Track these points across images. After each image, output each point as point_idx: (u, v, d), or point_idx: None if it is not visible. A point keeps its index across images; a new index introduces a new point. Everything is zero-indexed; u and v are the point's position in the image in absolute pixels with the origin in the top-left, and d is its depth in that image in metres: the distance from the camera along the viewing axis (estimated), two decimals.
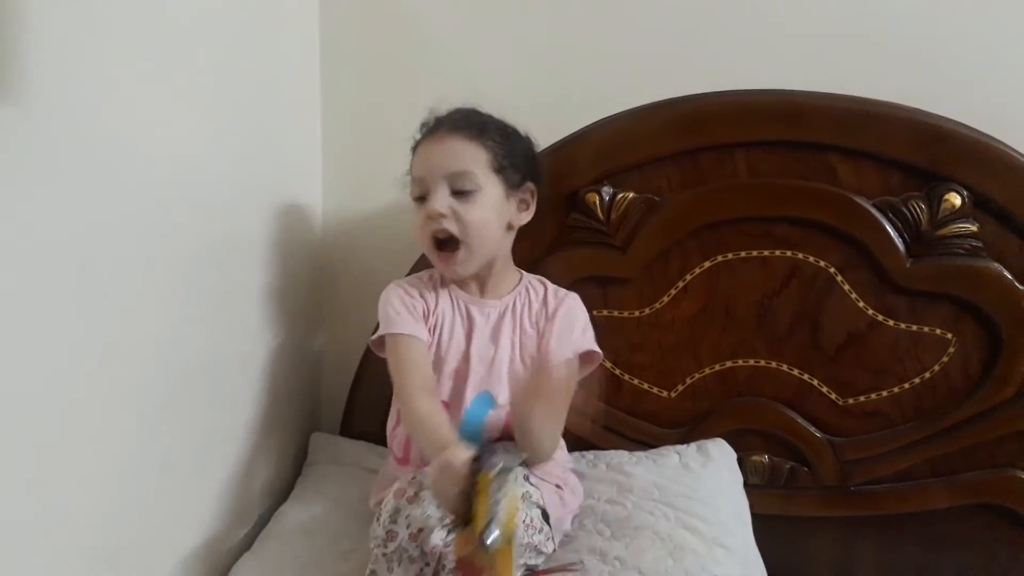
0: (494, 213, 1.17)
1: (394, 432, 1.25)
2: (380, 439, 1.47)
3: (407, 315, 1.19)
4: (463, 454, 0.89)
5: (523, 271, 1.29)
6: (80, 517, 0.91)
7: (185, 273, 1.09)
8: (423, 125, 1.23)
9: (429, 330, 1.20)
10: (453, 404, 1.18)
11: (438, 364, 1.20)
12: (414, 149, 1.22)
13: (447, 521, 0.97)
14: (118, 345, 0.95)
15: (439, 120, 1.21)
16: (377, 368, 1.47)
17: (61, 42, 0.82)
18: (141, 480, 1.02)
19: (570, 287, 1.31)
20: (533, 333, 1.22)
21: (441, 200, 1.14)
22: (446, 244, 1.16)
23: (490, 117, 1.21)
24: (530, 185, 1.22)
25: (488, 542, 0.83)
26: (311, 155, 1.55)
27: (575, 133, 1.40)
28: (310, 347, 1.57)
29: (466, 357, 1.20)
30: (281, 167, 1.42)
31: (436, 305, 1.22)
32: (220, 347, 1.21)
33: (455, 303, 1.23)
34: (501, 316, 1.22)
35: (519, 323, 1.22)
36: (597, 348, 1.22)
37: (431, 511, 0.98)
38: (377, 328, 1.21)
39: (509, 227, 1.22)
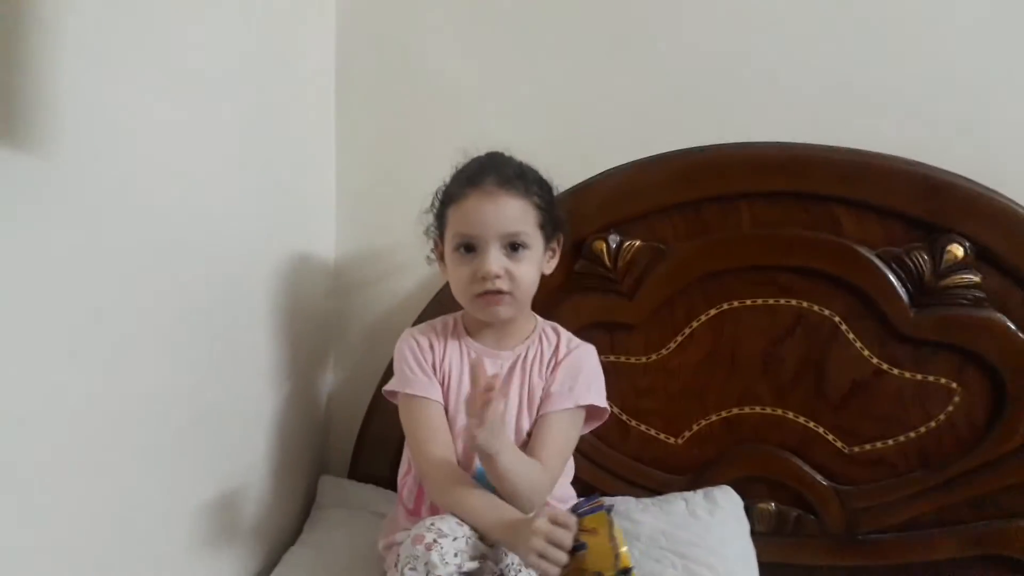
0: (537, 267, 1.19)
1: (404, 480, 1.25)
2: (388, 482, 1.49)
3: (421, 374, 1.19)
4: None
5: (538, 317, 1.28)
6: (88, 561, 0.92)
7: (196, 317, 1.11)
8: (461, 173, 1.20)
9: (440, 383, 1.20)
10: (463, 462, 1.18)
11: (450, 420, 1.20)
12: (452, 198, 1.18)
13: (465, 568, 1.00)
14: (129, 388, 0.97)
15: (482, 168, 1.17)
16: (386, 412, 1.48)
17: (84, 91, 0.85)
18: (149, 521, 1.03)
19: (577, 333, 1.31)
20: (540, 383, 1.21)
21: (496, 261, 1.13)
22: (493, 294, 1.15)
23: (528, 167, 1.20)
24: (559, 235, 1.24)
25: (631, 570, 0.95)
26: (325, 201, 1.57)
27: (583, 182, 1.43)
28: (319, 390, 1.59)
29: None
30: (295, 213, 1.45)
31: (444, 358, 1.21)
32: (230, 389, 1.22)
33: (465, 356, 1.22)
34: (512, 368, 1.22)
35: (528, 376, 1.21)
36: (603, 403, 1.21)
37: (449, 559, 0.99)
38: (390, 374, 1.22)
39: (540, 275, 1.22)
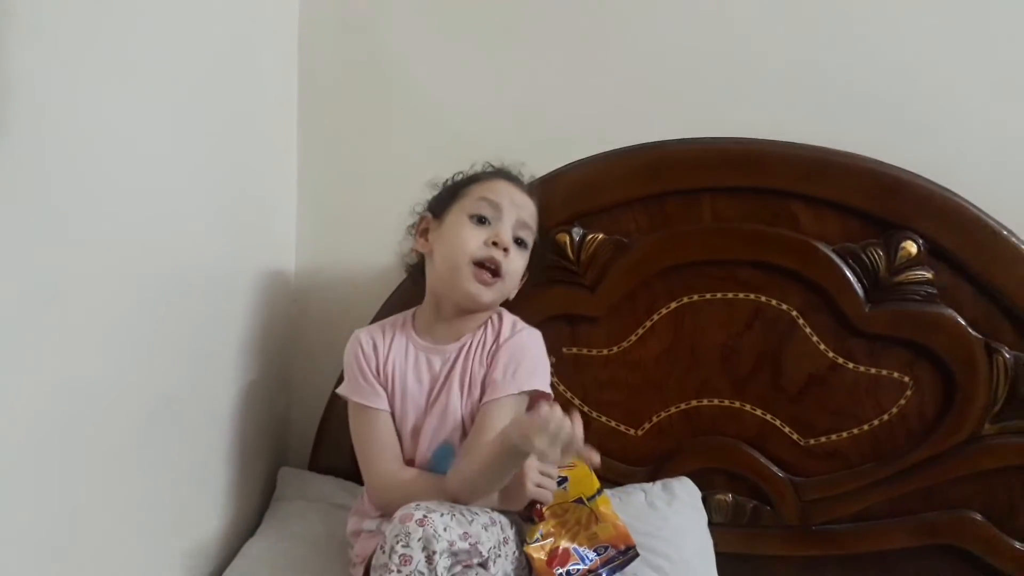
0: (523, 268, 1.25)
1: None
2: (348, 474, 1.48)
3: (365, 383, 1.21)
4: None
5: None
6: (42, 548, 0.90)
7: (155, 307, 1.10)
8: (480, 171, 1.28)
9: (382, 386, 1.22)
10: (422, 459, 1.20)
11: (399, 422, 1.22)
12: (477, 179, 1.26)
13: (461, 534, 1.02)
14: (86, 378, 0.95)
15: (506, 169, 1.29)
16: (346, 405, 1.48)
17: (35, 81, 0.83)
18: (106, 511, 1.01)
19: (539, 325, 1.32)
20: (481, 369, 1.20)
21: (510, 233, 1.20)
22: (490, 272, 1.19)
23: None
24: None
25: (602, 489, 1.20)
26: (287, 194, 1.56)
27: (547, 175, 1.43)
28: (279, 382, 1.58)
29: (422, 411, 1.21)
30: (257, 205, 1.44)
31: (388, 358, 1.22)
32: (189, 381, 1.21)
33: (414, 355, 1.23)
34: (454, 361, 1.22)
35: (469, 365, 1.21)
36: (546, 388, 1.21)
37: (440, 533, 0.99)
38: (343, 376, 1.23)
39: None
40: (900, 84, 1.44)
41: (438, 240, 1.23)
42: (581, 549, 1.14)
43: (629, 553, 1.16)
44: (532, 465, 1.12)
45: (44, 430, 0.89)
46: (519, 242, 1.22)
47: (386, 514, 1.14)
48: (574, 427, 0.97)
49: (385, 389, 1.22)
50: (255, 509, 1.46)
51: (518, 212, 1.22)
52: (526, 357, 1.21)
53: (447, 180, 1.29)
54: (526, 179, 1.31)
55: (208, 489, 1.30)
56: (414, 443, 1.21)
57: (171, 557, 1.19)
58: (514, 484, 1.12)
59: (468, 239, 1.19)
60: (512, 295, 1.26)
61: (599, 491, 1.22)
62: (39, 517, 0.89)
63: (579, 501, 1.18)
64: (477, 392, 1.20)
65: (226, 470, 1.35)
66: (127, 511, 1.06)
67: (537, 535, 1.16)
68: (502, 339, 1.22)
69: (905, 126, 1.43)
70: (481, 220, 1.20)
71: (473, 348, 1.22)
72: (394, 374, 1.22)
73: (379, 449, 1.20)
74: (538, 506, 1.16)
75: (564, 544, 1.15)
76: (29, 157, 0.83)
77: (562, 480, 1.18)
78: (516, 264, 1.21)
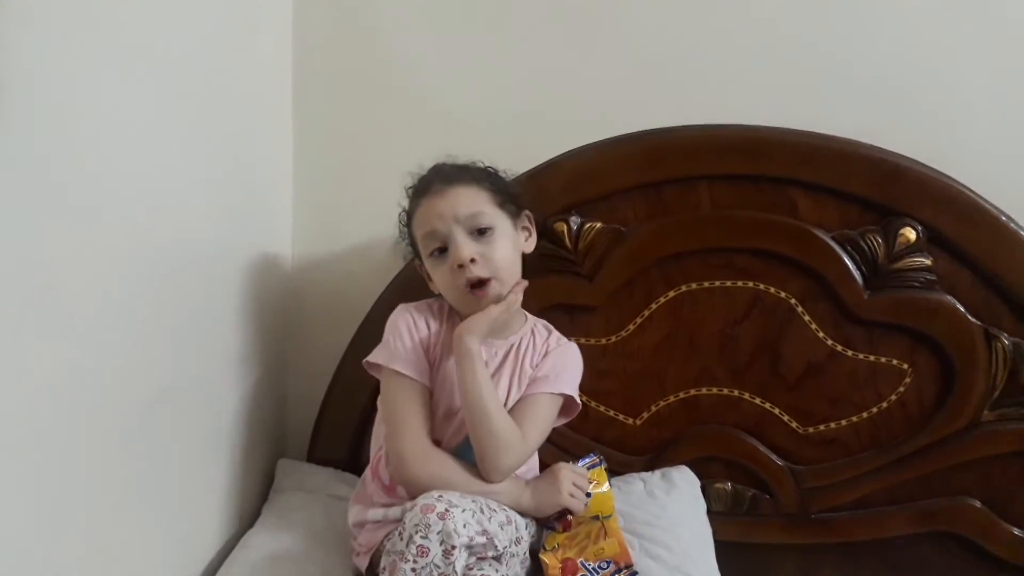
0: (511, 244, 1.22)
1: (380, 455, 1.24)
2: (346, 466, 1.48)
3: (412, 352, 1.20)
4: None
5: (528, 313, 1.30)
6: (40, 541, 0.90)
7: (152, 298, 1.09)
8: (410, 189, 1.25)
9: (429, 364, 1.21)
10: (448, 444, 1.20)
11: (435, 403, 1.21)
12: (410, 214, 1.24)
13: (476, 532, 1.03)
14: (82, 368, 0.94)
15: (426, 179, 1.24)
16: (344, 395, 1.48)
17: (35, 67, 0.82)
18: (103, 501, 1.01)
19: (538, 314, 1.33)
20: (531, 371, 1.24)
21: (466, 246, 1.16)
22: (479, 284, 1.17)
23: (469, 163, 1.25)
24: (527, 212, 1.27)
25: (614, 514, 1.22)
26: (283, 185, 1.56)
27: (544, 163, 1.43)
28: (277, 374, 1.57)
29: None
30: (252, 196, 1.43)
31: (437, 341, 1.23)
32: (187, 373, 1.20)
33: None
34: (505, 356, 1.24)
35: (520, 363, 1.24)
36: (575, 395, 1.25)
37: (460, 529, 0.99)
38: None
39: (521, 255, 1.25)
40: (900, 68, 1.43)
41: (434, 283, 1.25)
42: (589, 563, 1.16)
43: (629, 570, 1.17)
44: (567, 475, 1.19)
45: (39, 422, 0.88)
46: (481, 231, 1.18)
47: (407, 491, 1.14)
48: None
49: (431, 366, 1.21)
50: (254, 500, 1.45)
51: (459, 212, 1.17)
52: (571, 365, 1.27)
53: (399, 218, 1.28)
54: (520, 170, 1.30)
55: (206, 480, 1.29)
56: (446, 425, 1.21)
57: (170, 548, 1.18)
58: (548, 490, 1.18)
59: (444, 279, 1.19)
60: (516, 264, 1.23)
61: (612, 514, 1.24)
62: (35, 509, 0.88)
63: (595, 518, 1.20)
64: (525, 387, 1.23)
65: (224, 461, 1.34)
66: (125, 502, 1.05)
67: (555, 544, 1.18)
68: (551, 346, 1.27)
69: (905, 111, 1.43)
70: (442, 250, 1.19)
71: (524, 347, 1.25)
72: (441, 355, 1.22)
73: (415, 423, 1.17)
74: (568, 517, 1.20)
75: (572, 556, 1.17)
76: (23, 144, 0.82)
77: (586, 495, 1.22)
78: (494, 252, 1.18)
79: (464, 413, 1.16)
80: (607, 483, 1.23)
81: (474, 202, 1.19)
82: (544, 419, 1.21)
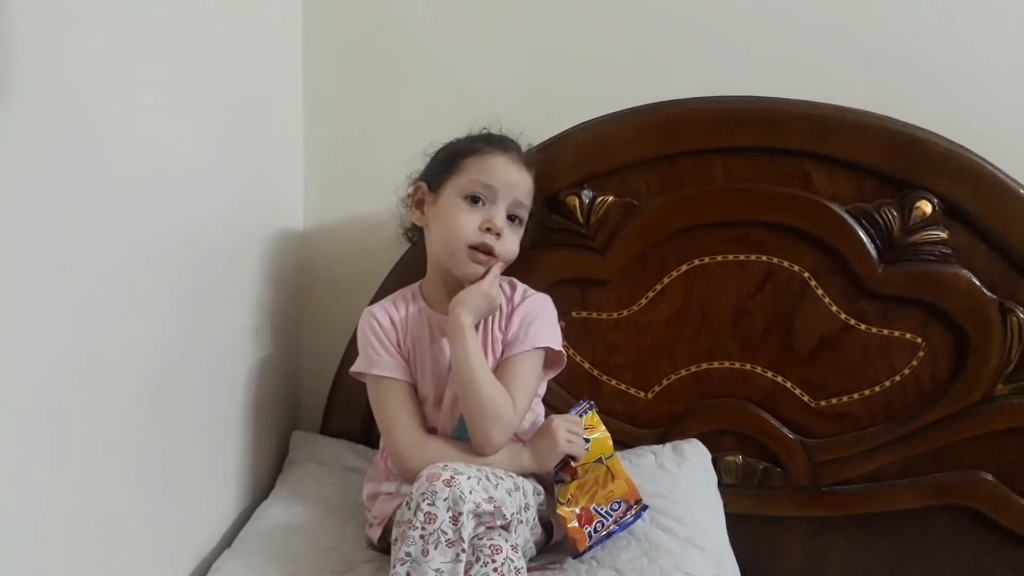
0: (518, 244, 1.25)
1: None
2: (360, 438, 1.49)
3: (384, 354, 1.22)
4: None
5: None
6: (60, 513, 0.91)
7: (167, 273, 1.09)
8: (478, 136, 1.26)
9: (403, 357, 1.23)
10: (444, 430, 1.22)
11: (421, 395, 1.23)
12: (471, 151, 1.23)
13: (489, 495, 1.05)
14: (100, 344, 0.95)
15: (503, 140, 1.26)
16: None
17: (49, 45, 0.82)
18: (119, 473, 1.02)
19: (549, 289, 1.33)
20: (500, 335, 1.23)
21: (502, 218, 1.20)
22: (486, 252, 1.20)
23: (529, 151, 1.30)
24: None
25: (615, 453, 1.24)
26: (294, 159, 1.55)
27: (556, 136, 1.42)
28: (291, 346, 1.58)
29: (443, 379, 1.23)
30: (264, 173, 1.43)
31: (407, 334, 1.24)
32: (202, 347, 1.21)
33: (428, 326, 1.24)
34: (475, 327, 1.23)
35: (490, 330, 1.23)
36: (558, 346, 1.25)
37: (467, 495, 1.00)
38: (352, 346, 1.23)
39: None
40: (916, 38, 1.41)
41: (434, 217, 1.24)
42: (601, 508, 1.19)
43: (639, 505, 1.20)
44: (559, 424, 1.20)
45: (56, 397, 0.89)
46: (513, 219, 1.23)
47: (410, 483, 1.15)
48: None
49: (406, 361, 1.23)
50: (268, 472, 1.47)
51: (513, 193, 1.21)
52: (538, 317, 1.24)
53: (442, 146, 1.28)
54: (524, 147, 1.29)
55: (221, 453, 1.31)
56: (437, 411, 1.23)
57: (185, 521, 1.20)
58: (545, 444, 1.19)
59: (463, 225, 1.19)
60: (512, 260, 1.26)
61: (613, 453, 1.25)
62: (53, 482, 0.90)
63: (599, 461, 1.22)
64: (499, 354, 1.22)
65: (239, 434, 1.35)
66: (141, 476, 1.07)
67: (568, 496, 1.19)
68: (515, 303, 1.26)
69: (921, 82, 1.41)
70: (475, 200, 1.20)
71: (489, 316, 1.24)
72: (414, 346, 1.24)
73: (403, 419, 1.20)
74: (572, 463, 1.20)
75: (585, 504, 1.19)
76: (38, 126, 0.82)
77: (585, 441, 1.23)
78: (509, 244, 1.22)
79: (455, 387, 1.17)
80: (602, 425, 1.25)
81: (528, 195, 1.24)
82: (528, 379, 1.21)
